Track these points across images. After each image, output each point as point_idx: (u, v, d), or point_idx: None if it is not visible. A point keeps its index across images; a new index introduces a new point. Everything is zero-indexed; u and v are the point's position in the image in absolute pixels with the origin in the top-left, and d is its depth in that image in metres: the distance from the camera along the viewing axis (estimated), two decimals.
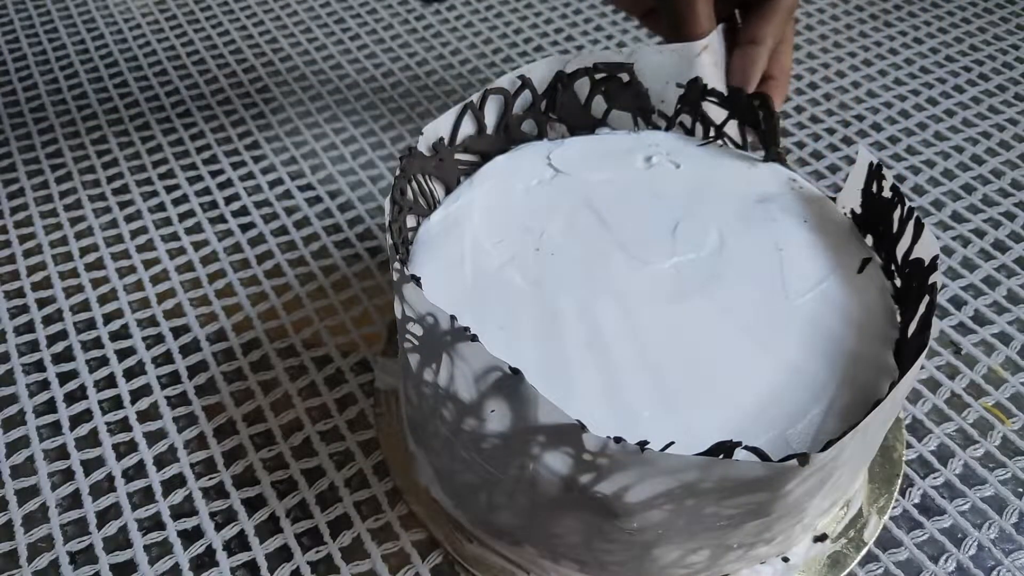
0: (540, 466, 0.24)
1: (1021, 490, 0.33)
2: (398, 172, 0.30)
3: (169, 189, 0.46)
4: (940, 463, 0.34)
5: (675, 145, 0.35)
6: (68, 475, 0.34)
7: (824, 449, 0.22)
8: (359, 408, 0.36)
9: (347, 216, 0.45)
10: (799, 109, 0.51)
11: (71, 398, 0.37)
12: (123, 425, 0.36)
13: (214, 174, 0.47)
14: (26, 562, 0.32)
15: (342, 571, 0.31)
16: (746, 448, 0.22)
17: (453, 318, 0.24)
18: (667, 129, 0.37)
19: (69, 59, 0.56)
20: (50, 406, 0.37)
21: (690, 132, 0.36)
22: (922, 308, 0.26)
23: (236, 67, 0.55)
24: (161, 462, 0.34)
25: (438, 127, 0.33)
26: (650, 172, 0.34)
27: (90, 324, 0.40)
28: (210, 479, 0.34)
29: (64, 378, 0.38)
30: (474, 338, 0.23)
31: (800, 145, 0.49)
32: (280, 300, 0.41)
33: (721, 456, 0.22)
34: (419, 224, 0.32)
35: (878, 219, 0.30)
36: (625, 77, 0.36)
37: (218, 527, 0.32)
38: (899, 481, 0.32)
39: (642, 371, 0.27)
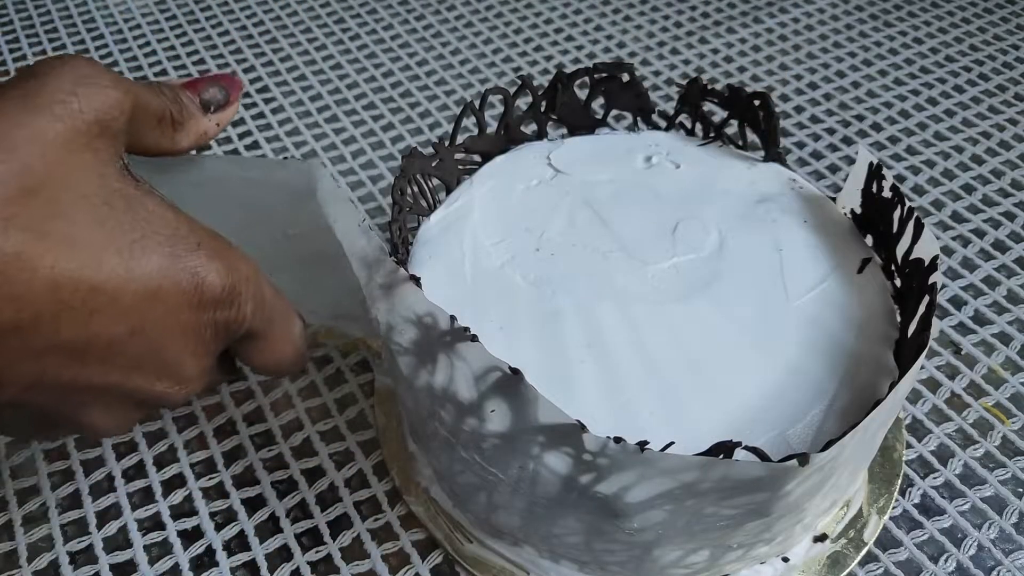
0: (540, 466, 0.24)
1: (1021, 490, 0.33)
2: (398, 172, 0.30)
3: None
4: (940, 463, 0.34)
5: (675, 145, 0.35)
6: (68, 475, 0.34)
7: (824, 449, 0.22)
8: (359, 408, 0.36)
9: None
10: (799, 109, 0.51)
11: None
12: None
13: None
14: (26, 562, 0.31)
15: (342, 571, 0.31)
16: (746, 448, 0.22)
17: (453, 318, 0.24)
18: (667, 129, 0.37)
19: None
20: None
21: (690, 132, 0.36)
22: (922, 308, 0.26)
23: (236, 67, 0.55)
24: (161, 462, 0.34)
25: None
26: (650, 172, 0.34)
27: None
28: (210, 479, 0.34)
29: None
30: (474, 338, 0.23)
31: (800, 145, 0.49)
32: None
33: (721, 456, 0.22)
34: (419, 224, 0.32)
35: (878, 219, 0.30)
36: (625, 77, 0.36)
37: (218, 527, 0.32)
38: (899, 481, 0.32)
39: (642, 371, 0.27)
